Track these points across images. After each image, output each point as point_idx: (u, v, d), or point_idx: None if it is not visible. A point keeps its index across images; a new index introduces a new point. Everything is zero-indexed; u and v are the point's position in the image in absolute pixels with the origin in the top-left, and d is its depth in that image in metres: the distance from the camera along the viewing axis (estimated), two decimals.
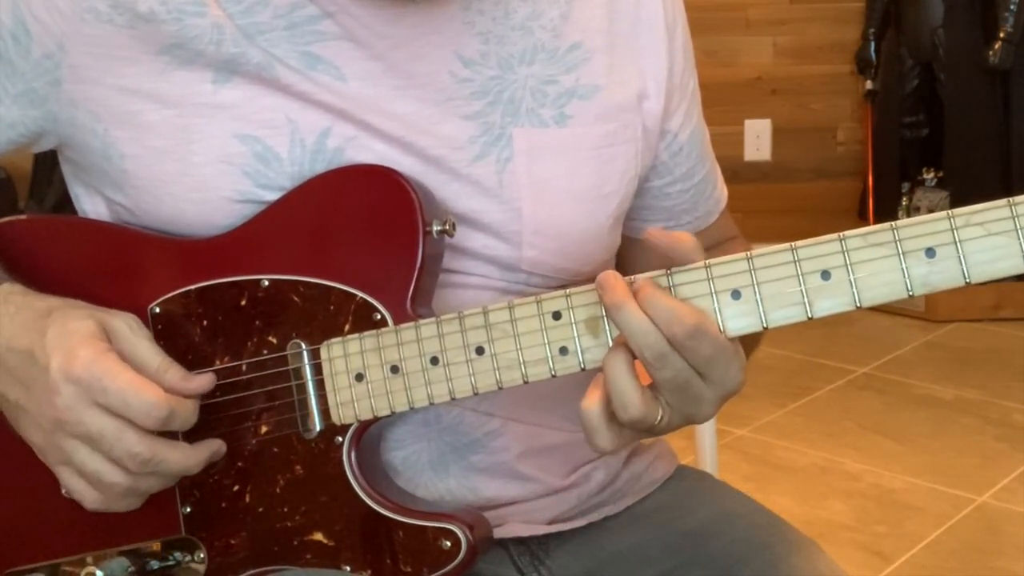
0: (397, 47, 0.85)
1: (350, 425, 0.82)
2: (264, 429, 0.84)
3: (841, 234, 0.72)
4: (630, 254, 1.02)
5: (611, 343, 0.76)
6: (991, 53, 3.42)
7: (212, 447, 0.83)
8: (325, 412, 0.83)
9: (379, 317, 0.82)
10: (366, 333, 0.81)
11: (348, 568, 0.82)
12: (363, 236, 0.83)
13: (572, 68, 0.90)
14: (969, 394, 2.97)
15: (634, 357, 0.73)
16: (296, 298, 0.83)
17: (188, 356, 0.84)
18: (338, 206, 0.83)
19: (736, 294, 0.73)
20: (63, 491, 0.85)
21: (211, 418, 0.84)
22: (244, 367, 0.84)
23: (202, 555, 0.85)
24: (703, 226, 1.03)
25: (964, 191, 3.41)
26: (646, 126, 0.94)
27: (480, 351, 0.79)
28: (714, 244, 1.02)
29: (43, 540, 0.88)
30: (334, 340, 0.82)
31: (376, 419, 0.82)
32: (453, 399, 0.80)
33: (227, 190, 0.84)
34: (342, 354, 0.82)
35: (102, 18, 0.83)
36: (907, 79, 3.69)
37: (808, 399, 2.95)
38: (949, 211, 0.70)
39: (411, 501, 0.85)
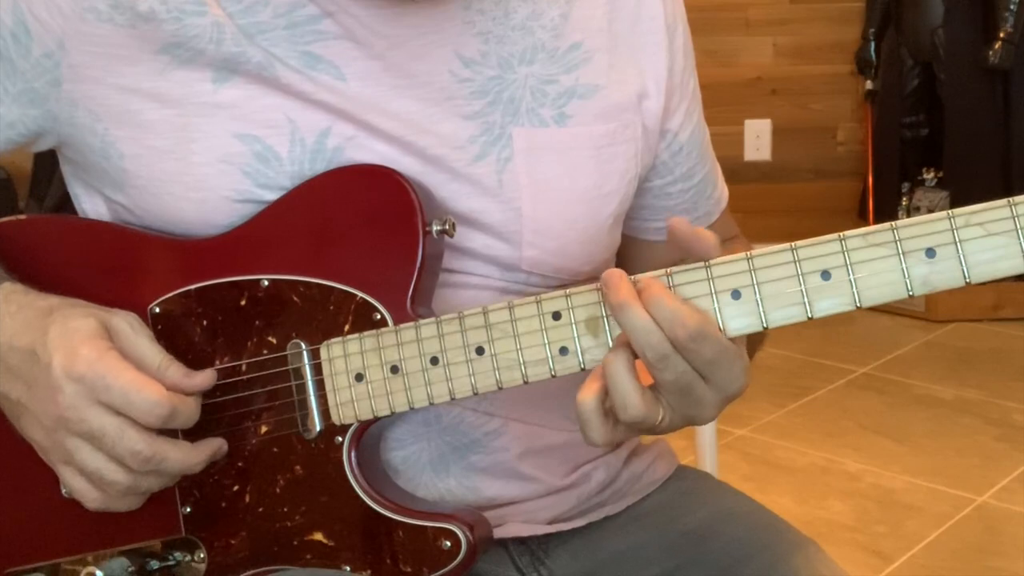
0: (397, 47, 0.85)
1: (350, 425, 0.82)
2: (264, 429, 0.84)
3: (841, 234, 0.72)
4: (630, 254, 1.02)
5: (611, 343, 0.76)
6: (991, 53, 3.41)
7: (213, 446, 0.83)
8: (325, 412, 0.83)
9: (379, 317, 0.82)
10: (366, 333, 0.81)
11: (348, 568, 0.82)
12: (363, 236, 0.83)
13: (572, 68, 0.90)
14: (969, 394, 2.97)
15: (636, 357, 0.73)
16: (296, 298, 0.83)
17: (188, 356, 0.84)
18: (338, 206, 0.83)
19: (736, 294, 0.73)
20: (63, 491, 0.86)
21: (211, 418, 0.84)
22: (244, 367, 0.84)
23: (202, 555, 0.85)
24: (703, 226, 1.02)
25: (964, 191, 3.41)
26: (646, 126, 0.94)
27: (480, 351, 0.79)
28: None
29: (43, 540, 0.88)
30: (334, 340, 0.82)
31: (376, 419, 0.82)
32: (453, 399, 0.80)
33: (227, 189, 0.84)
34: (342, 354, 0.82)
35: (102, 17, 0.83)
36: (907, 79, 3.69)
37: (808, 399, 2.95)
38: (949, 211, 0.70)
39: (411, 501, 0.85)
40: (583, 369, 0.77)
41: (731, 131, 3.98)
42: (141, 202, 0.87)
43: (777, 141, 4.05)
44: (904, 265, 0.71)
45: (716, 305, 0.73)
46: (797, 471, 2.60)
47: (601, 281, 0.74)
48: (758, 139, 4.04)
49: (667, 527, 0.96)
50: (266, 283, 0.84)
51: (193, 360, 0.84)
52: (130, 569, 0.86)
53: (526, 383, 0.78)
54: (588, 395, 0.74)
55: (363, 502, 0.82)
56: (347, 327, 0.82)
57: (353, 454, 0.82)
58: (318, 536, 0.83)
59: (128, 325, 0.82)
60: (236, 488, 0.85)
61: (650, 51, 0.94)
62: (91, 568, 0.85)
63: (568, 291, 0.77)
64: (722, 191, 1.06)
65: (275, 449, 0.84)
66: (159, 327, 0.85)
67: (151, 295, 0.86)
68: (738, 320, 0.73)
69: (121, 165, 0.86)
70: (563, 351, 0.77)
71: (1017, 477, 2.52)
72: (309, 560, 0.83)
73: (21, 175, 3.38)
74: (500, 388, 0.79)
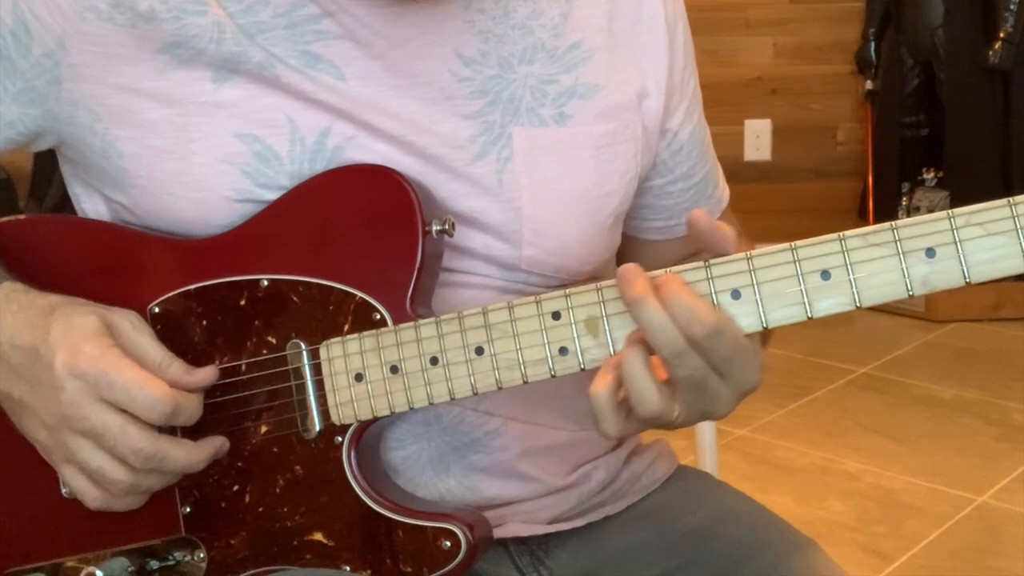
0: (397, 46, 0.85)
1: (350, 425, 0.82)
2: (264, 429, 0.84)
3: (841, 234, 0.72)
4: (630, 253, 1.02)
5: (611, 343, 0.76)
6: (991, 53, 3.41)
7: (215, 444, 0.83)
8: (324, 412, 0.83)
9: (378, 317, 0.82)
10: (365, 333, 0.81)
11: (348, 568, 0.82)
12: (362, 236, 0.83)
13: (572, 67, 0.90)
14: (969, 394, 2.97)
15: (651, 352, 0.73)
16: (295, 298, 0.83)
17: (188, 356, 0.84)
18: (337, 206, 0.83)
19: (736, 294, 0.73)
20: (64, 490, 0.86)
21: (211, 418, 0.84)
22: (243, 367, 0.84)
23: (202, 555, 0.85)
24: None
25: (964, 191, 3.41)
26: (646, 125, 0.94)
27: (480, 351, 0.79)
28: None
29: (43, 540, 0.88)
30: (333, 340, 0.82)
31: (376, 419, 0.82)
32: (453, 399, 0.80)
33: (226, 189, 0.84)
34: (341, 354, 0.82)
35: (102, 17, 0.83)
36: (907, 79, 3.69)
37: (808, 399, 2.95)
38: (949, 211, 0.70)
39: (411, 501, 0.85)
40: (583, 369, 0.77)
41: (731, 131, 3.98)
42: (141, 202, 0.87)
43: (777, 141, 4.05)
44: (904, 265, 0.71)
45: (716, 305, 0.73)
46: (797, 471, 2.60)
47: (617, 275, 0.74)
48: (758, 139, 4.04)
49: (667, 527, 0.96)
50: (265, 283, 0.84)
51: (193, 360, 0.84)
52: (130, 569, 0.86)
53: (526, 383, 0.78)
54: (601, 387, 0.73)
55: (363, 502, 0.82)
56: (347, 327, 0.82)
57: (353, 454, 0.82)
58: (318, 536, 0.83)
59: (129, 323, 0.82)
60: (236, 488, 0.85)
61: (650, 50, 0.94)
62: (91, 568, 0.85)
63: (568, 291, 0.77)
64: (723, 190, 1.06)
65: (275, 449, 0.84)
66: (158, 327, 0.85)
67: (150, 295, 0.86)
68: (738, 320, 0.73)
69: (121, 165, 0.86)
70: (563, 351, 0.77)
71: (1017, 477, 2.52)
72: (309, 560, 0.83)
73: (21, 175, 3.38)
74: (500, 388, 0.79)
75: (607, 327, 0.76)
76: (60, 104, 0.86)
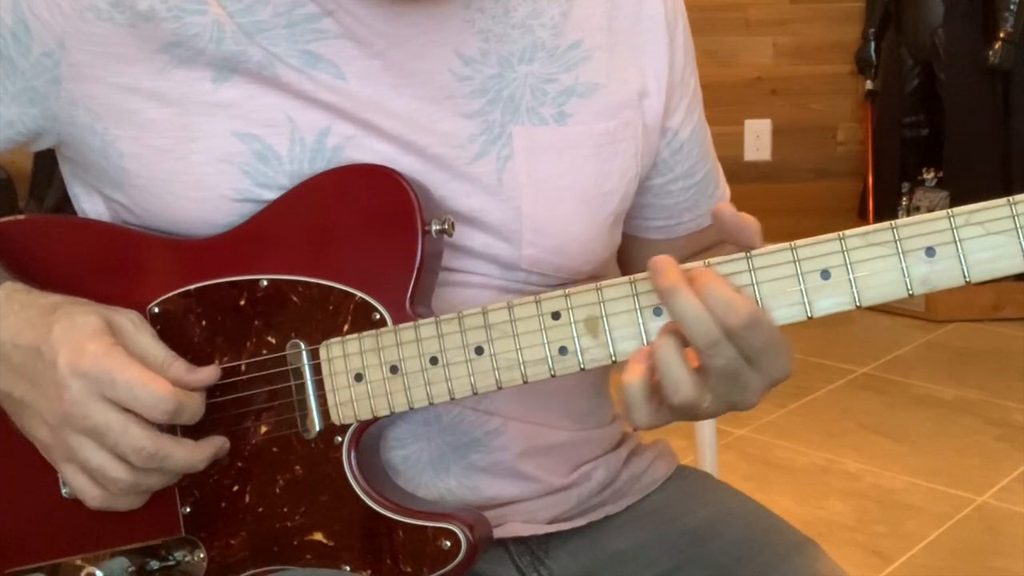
0: (397, 45, 0.85)
1: (349, 425, 0.82)
2: (264, 429, 0.84)
3: (841, 233, 0.72)
4: (631, 253, 1.02)
5: (611, 343, 0.76)
6: (991, 53, 3.41)
7: (216, 444, 0.83)
8: (324, 412, 0.83)
9: (378, 317, 0.81)
10: (365, 333, 0.81)
11: (348, 568, 0.82)
12: (362, 236, 0.83)
13: (572, 66, 0.90)
14: (969, 394, 2.97)
15: (685, 342, 0.73)
16: (295, 298, 0.83)
17: (187, 356, 0.84)
18: (337, 206, 0.83)
19: None
20: (64, 490, 0.86)
21: (211, 418, 0.84)
22: (243, 367, 0.84)
23: (202, 555, 0.85)
24: (705, 224, 1.03)
25: (964, 191, 3.40)
26: (646, 124, 0.94)
27: (479, 351, 0.79)
28: (718, 243, 1.02)
29: (43, 540, 0.88)
30: (333, 340, 0.82)
31: (375, 419, 0.82)
32: (452, 399, 0.80)
33: (226, 189, 0.84)
34: (341, 354, 0.82)
35: (102, 16, 0.83)
36: (907, 79, 3.69)
37: (808, 399, 2.95)
38: (949, 210, 0.70)
39: (411, 501, 0.85)
40: (583, 369, 0.77)
41: (731, 131, 3.98)
42: (141, 201, 0.87)
43: (777, 141, 4.05)
44: (904, 264, 0.71)
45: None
46: (797, 471, 2.60)
47: (649, 266, 0.73)
48: (758, 139, 4.04)
49: (667, 527, 0.96)
50: (265, 283, 0.84)
51: (193, 360, 0.84)
52: (130, 569, 0.86)
53: (526, 383, 0.78)
54: (634, 377, 0.73)
55: (363, 502, 0.82)
56: (346, 327, 0.82)
57: (353, 454, 0.82)
58: (318, 536, 0.83)
59: (131, 323, 0.82)
60: (236, 488, 0.85)
61: (650, 49, 0.94)
62: (91, 568, 0.85)
63: (567, 291, 0.77)
64: (724, 190, 1.06)
65: (275, 449, 0.84)
66: (158, 327, 0.85)
67: (150, 295, 0.86)
68: None
69: (121, 164, 0.86)
70: (562, 351, 0.77)
71: (1017, 477, 2.52)
72: (309, 560, 0.83)
73: (21, 175, 3.39)
74: (499, 388, 0.79)
75: (607, 327, 0.76)
76: (60, 104, 0.86)
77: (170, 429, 0.82)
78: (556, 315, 0.77)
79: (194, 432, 0.83)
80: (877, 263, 0.71)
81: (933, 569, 2.18)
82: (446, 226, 0.83)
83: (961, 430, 2.78)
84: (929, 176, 3.68)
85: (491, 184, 0.87)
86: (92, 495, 0.81)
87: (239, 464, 0.85)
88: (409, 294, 0.81)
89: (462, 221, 0.86)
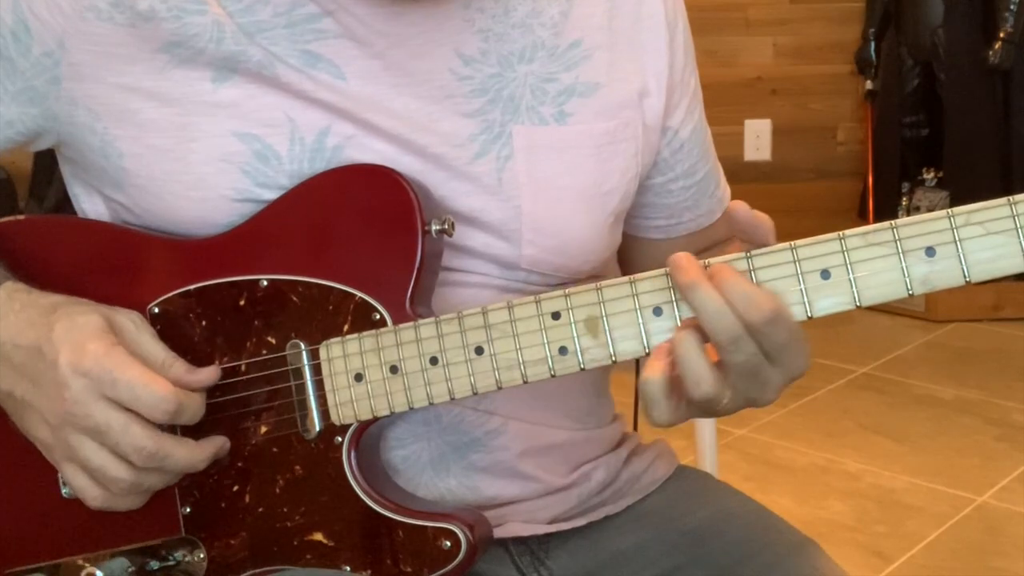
0: (397, 45, 0.85)
1: (349, 425, 0.82)
2: (264, 429, 0.84)
3: (841, 233, 0.72)
4: (632, 253, 1.02)
5: (611, 343, 0.76)
6: (991, 53, 3.41)
7: (217, 443, 0.83)
8: (324, 412, 0.83)
9: (378, 317, 0.81)
10: (365, 333, 0.81)
11: (348, 568, 0.82)
12: (362, 236, 0.83)
13: (572, 66, 0.90)
14: (969, 394, 2.97)
15: (705, 338, 0.72)
16: (295, 298, 0.83)
17: (188, 356, 0.84)
18: (337, 206, 0.83)
19: None
20: (64, 490, 0.86)
21: (211, 418, 0.84)
22: (243, 367, 0.84)
23: (202, 555, 0.85)
24: (706, 224, 1.03)
25: (964, 191, 3.40)
26: (647, 123, 0.94)
27: (479, 351, 0.78)
28: (718, 242, 1.02)
29: (43, 540, 0.88)
30: (333, 340, 0.82)
31: (375, 419, 0.82)
32: (452, 399, 0.79)
33: (226, 188, 0.84)
34: (341, 354, 0.82)
35: (102, 16, 0.83)
36: (907, 79, 3.69)
37: (808, 399, 2.95)
38: (949, 210, 0.70)
39: (411, 501, 0.85)
40: (583, 369, 0.77)
41: (731, 131, 3.98)
42: (141, 201, 0.87)
43: (777, 141, 4.05)
44: (904, 264, 0.71)
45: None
46: (797, 471, 2.60)
47: (669, 263, 0.73)
48: (758, 139, 4.04)
49: (667, 527, 0.96)
50: (265, 283, 0.84)
51: (193, 360, 0.84)
52: (130, 569, 0.86)
53: (526, 383, 0.78)
54: (655, 373, 0.73)
55: (363, 502, 0.82)
56: (346, 327, 0.82)
57: (353, 454, 0.82)
58: (318, 536, 0.83)
59: (131, 323, 0.82)
60: (236, 488, 0.85)
61: (650, 48, 0.94)
62: (91, 568, 0.85)
63: (567, 291, 0.77)
64: (724, 190, 1.06)
65: (275, 449, 0.84)
66: (158, 327, 0.85)
67: (150, 295, 0.86)
68: None
69: (120, 164, 0.86)
70: (562, 351, 0.77)
71: (1017, 477, 2.52)
72: (309, 560, 0.83)
73: (21, 175, 3.39)
74: (499, 388, 0.79)
75: (607, 327, 0.76)
76: (60, 103, 0.86)
77: (171, 429, 0.82)
78: (556, 315, 0.77)
79: (194, 432, 0.83)
80: (877, 263, 0.71)
81: (933, 569, 2.18)
82: (446, 226, 0.82)
83: (961, 430, 2.78)
84: (929, 176, 3.68)
85: (491, 184, 0.87)
86: (93, 495, 0.81)
87: (239, 464, 0.85)
88: (409, 294, 0.81)
89: (462, 221, 0.86)
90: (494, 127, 0.87)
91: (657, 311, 0.75)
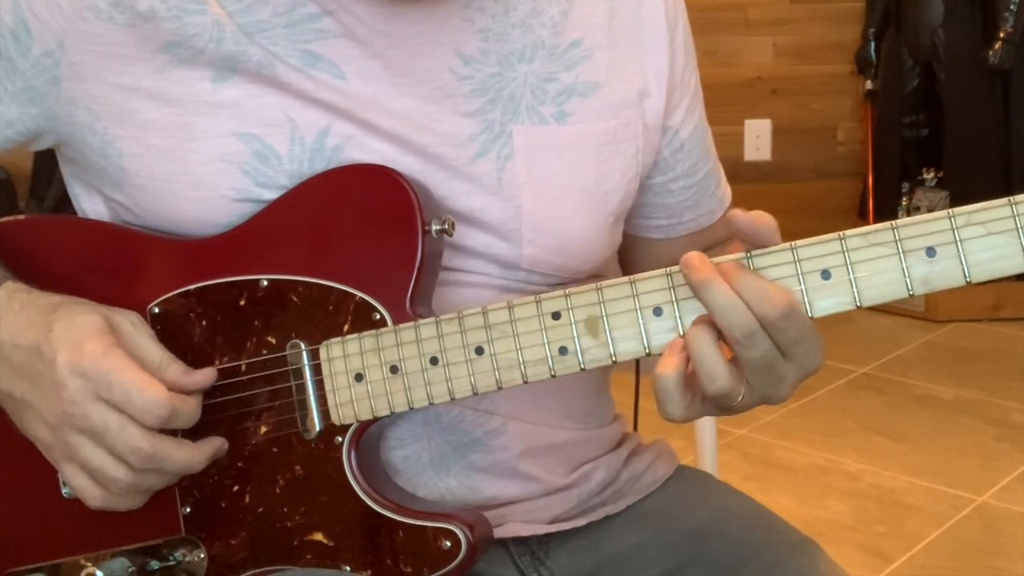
0: (397, 45, 0.85)
1: (350, 425, 0.82)
2: (264, 429, 0.84)
3: (841, 233, 0.72)
4: (632, 252, 1.02)
5: (611, 343, 0.76)
6: (991, 53, 3.41)
7: (214, 445, 0.83)
8: (324, 412, 0.83)
9: (378, 317, 0.81)
10: (365, 333, 0.81)
11: (348, 568, 0.82)
12: (362, 236, 0.83)
13: (572, 65, 0.90)
14: (969, 394, 2.97)
15: (718, 335, 0.72)
16: (295, 298, 0.83)
17: (187, 356, 0.84)
18: (337, 206, 0.83)
19: None
20: (64, 490, 0.86)
21: (211, 418, 0.84)
22: (243, 367, 0.84)
23: (202, 555, 0.85)
24: (706, 224, 1.03)
25: (964, 191, 3.40)
26: (647, 123, 0.93)
27: (480, 351, 0.78)
28: (719, 242, 1.02)
29: (43, 540, 0.88)
30: (333, 340, 0.82)
31: (376, 419, 0.82)
32: (453, 399, 0.79)
33: (226, 188, 0.84)
34: (341, 354, 0.82)
35: (102, 16, 0.83)
36: (907, 79, 3.69)
37: (808, 399, 2.95)
38: (950, 210, 0.70)
39: (411, 501, 0.85)
40: (583, 369, 0.77)
41: (731, 131, 3.98)
42: (141, 201, 0.87)
43: (777, 141, 4.05)
44: (904, 264, 0.71)
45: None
46: (797, 471, 2.60)
47: (681, 262, 0.73)
48: (758, 139, 4.04)
49: (667, 527, 0.96)
50: (265, 283, 0.84)
51: (193, 360, 0.84)
52: (130, 569, 0.86)
53: (526, 383, 0.78)
54: (669, 369, 0.73)
55: (363, 502, 0.82)
56: (346, 327, 0.82)
57: (353, 454, 0.82)
58: (318, 536, 0.83)
59: (130, 323, 0.82)
60: (236, 488, 0.85)
61: (651, 48, 0.94)
62: (91, 568, 0.85)
63: (567, 291, 0.77)
64: (725, 189, 1.06)
65: (275, 449, 0.84)
66: (158, 327, 0.85)
67: (150, 295, 0.86)
68: None
69: (120, 164, 0.86)
70: (563, 351, 0.77)
71: (1017, 477, 2.52)
72: (309, 560, 0.83)
73: (21, 175, 3.39)
74: (500, 388, 0.79)
75: (607, 327, 0.76)
76: (60, 103, 0.86)
77: (170, 430, 0.82)
78: (556, 315, 0.77)
79: (194, 432, 0.83)
80: (878, 263, 0.71)
81: (933, 569, 2.18)
82: (446, 226, 0.82)
83: (961, 430, 2.78)
84: (929, 176, 3.68)
85: (491, 183, 0.87)
86: (92, 495, 0.81)
87: (239, 464, 0.85)
88: (409, 294, 0.81)
89: (462, 221, 0.86)
90: (494, 127, 0.87)
91: (657, 311, 0.75)
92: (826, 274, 0.72)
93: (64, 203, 0.96)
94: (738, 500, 1.00)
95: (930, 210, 0.68)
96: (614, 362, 0.76)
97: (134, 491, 0.82)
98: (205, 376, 0.83)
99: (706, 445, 1.29)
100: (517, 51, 0.89)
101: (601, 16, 0.92)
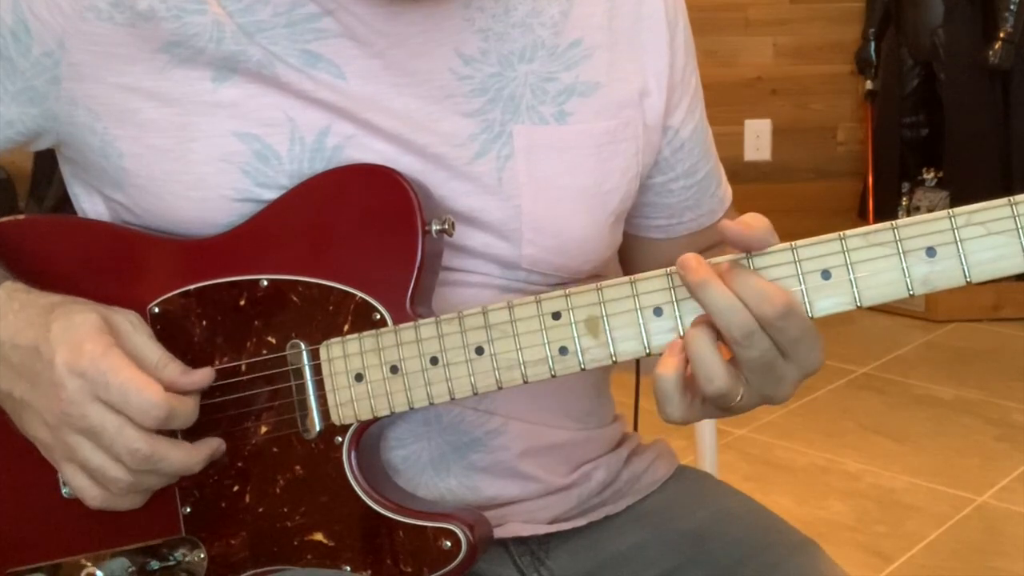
0: (397, 45, 0.85)
1: (350, 425, 0.82)
2: (264, 429, 0.84)
3: (841, 233, 0.72)
4: (632, 252, 1.02)
5: (611, 343, 0.76)
6: (991, 53, 3.41)
7: (212, 445, 0.83)
8: (325, 412, 0.83)
9: (378, 317, 0.81)
10: (365, 333, 0.81)
11: (348, 568, 0.82)
12: (362, 236, 0.83)
13: (572, 65, 0.90)
14: (969, 394, 2.97)
15: (717, 335, 0.72)
16: (295, 298, 0.83)
17: (187, 356, 0.84)
18: (337, 206, 0.83)
19: None
20: (64, 490, 0.86)
21: (211, 418, 0.84)
22: (243, 367, 0.84)
23: (202, 555, 0.85)
24: (707, 223, 1.03)
25: (964, 191, 3.40)
26: (647, 123, 0.93)
27: (480, 351, 0.78)
28: (719, 242, 1.02)
29: (43, 540, 0.88)
30: (333, 340, 0.82)
31: (376, 419, 0.82)
32: (453, 399, 0.79)
33: (226, 188, 0.84)
34: (341, 354, 0.82)
35: (102, 16, 0.83)
36: (907, 79, 3.69)
37: (808, 399, 2.95)
38: (950, 210, 0.70)
39: (411, 501, 0.85)
40: (583, 369, 0.77)
41: (731, 131, 3.98)
42: (141, 201, 0.87)
43: (777, 141, 4.05)
44: (904, 264, 0.71)
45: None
46: (797, 471, 2.60)
47: (678, 264, 0.73)
48: (758, 139, 4.04)
49: (667, 527, 0.96)
50: (265, 283, 0.84)
51: (193, 360, 0.84)
52: (130, 569, 0.86)
53: (526, 383, 0.78)
54: (668, 370, 0.73)
55: (363, 502, 0.82)
56: (346, 327, 0.82)
57: (353, 454, 0.82)
58: (318, 536, 0.83)
59: (129, 323, 0.82)
60: (236, 488, 0.85)
61: (651, 48, 0.94)
62: (91, 568, 0.85)
63: (568, 291, 0.77)
64: (726, 189, 1.06)
65: (275, 449, 0.84)
66: (158, 327, 0.85)
67: (150, 295, 0.86)
68: None
69: (120, 164, 0.86)
70: (563, 351, 0.77)
71: (1017, 477, 2.52)
72: (309, 560, 0.83)
73: (21, 175, 3.39)
74: (500, 388, 0.79)
75: (607, 327, 0.76)
76: (60, 103, 0.86)
77: (168, 430, 0.82)
78: (556, 315, 0.77)
79: (194, 432, 0.83)
80: (878, 263, 0.71)
81: (933, 569, 2.18)
82: (446, 226, 0.82)
83: (961, 430, 2.78)
84: (929, 176, 3.68)
85: (491, 183, 0.87)
86: (92, 495, 0.81)
87: (239, 464, 0.85)
88: (409, 294, 0.81)
89: (462, 221, 0.86)
90: (494, 127, 0.87)
91: (658, 311, 0.75)
92: (826, 274, 0.72)
93: (64, 203, 0.96)
94: (738, 500, 1.00)
95: (930, 210, 0.68)
96: (614, 362, 0.76)
97: (134, 491, 0.82)
98: (203, 376, 0.83)
99: (706, 445, 1.29)
100: (517, 51, 0.89)
101: (601, 16, 0.92)
